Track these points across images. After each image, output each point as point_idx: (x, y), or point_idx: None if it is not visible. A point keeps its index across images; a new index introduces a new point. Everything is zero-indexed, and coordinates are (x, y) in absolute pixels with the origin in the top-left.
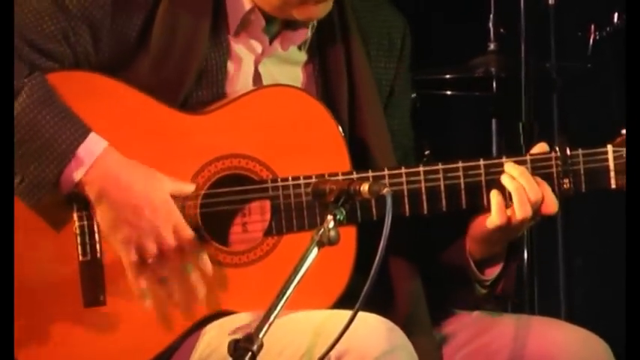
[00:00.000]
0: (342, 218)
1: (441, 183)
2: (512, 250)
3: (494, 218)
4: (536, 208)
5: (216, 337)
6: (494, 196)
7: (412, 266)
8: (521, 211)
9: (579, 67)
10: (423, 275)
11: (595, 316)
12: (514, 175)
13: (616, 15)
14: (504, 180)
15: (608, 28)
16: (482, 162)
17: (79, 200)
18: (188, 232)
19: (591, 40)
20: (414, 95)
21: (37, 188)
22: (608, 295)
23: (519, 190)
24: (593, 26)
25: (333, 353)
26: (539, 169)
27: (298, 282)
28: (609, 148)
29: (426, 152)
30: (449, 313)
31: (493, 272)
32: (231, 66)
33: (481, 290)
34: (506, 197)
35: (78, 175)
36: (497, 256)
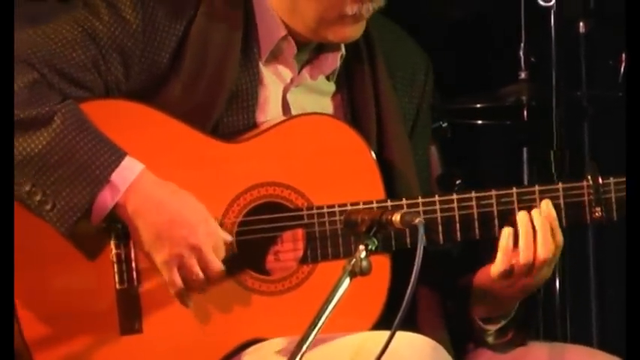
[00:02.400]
0: (373, 248)
1: (474, 211)
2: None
3: (497, 262)
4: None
5: None
6: (505, 234)
7: (438, 299)
8: (524, 254)
9: (610, 95)
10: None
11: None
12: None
13: None
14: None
15: None
16: (514, 190)
17: (116, 229)
18: (223, 252)
19: (622, 69)
20: (445, 124)
21: (69, 214)
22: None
23: (528, 235)
24: (624, 55)
25: None
26: (570, 198)
27: (330, 312)
28: None
29: (458, 182)
30: (476, 346)
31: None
32: (261, 92)
33: (487, 337)
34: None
35: (112, 200)
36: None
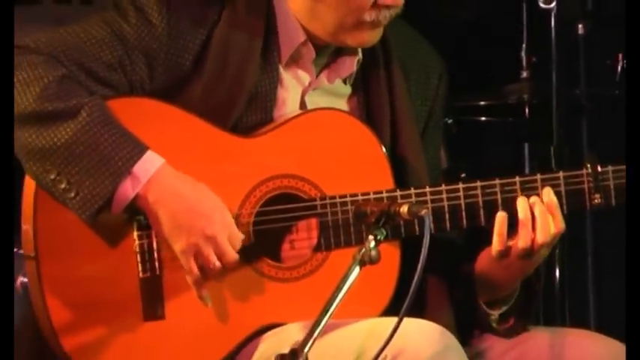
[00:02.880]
0: (382, 238)
1: (480, 199)
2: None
3: (494, 243)
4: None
5: (270, 347)
6: (499, 218)
7: (446, 286)
8: (523, 239)
9: (608, 93)
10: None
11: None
12: (533, 202)
13: None
14: (519, 202)
15: None
16: (517, 179)
17: (139, 220)
18: (239, 243)
19: (619, 68)
20: (450, 121)
21: (91, 202)
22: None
23: (527, 221)
24: (621, 55)
25: (389, 353)
26: (571, 185)
27: (341, 299)
28: None
29: (462, 175)
30: (482, 333)
31: (502, 309)
32: (280, 94)
33: (492, 320)
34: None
35: (133, 191)
36: (509, 296)
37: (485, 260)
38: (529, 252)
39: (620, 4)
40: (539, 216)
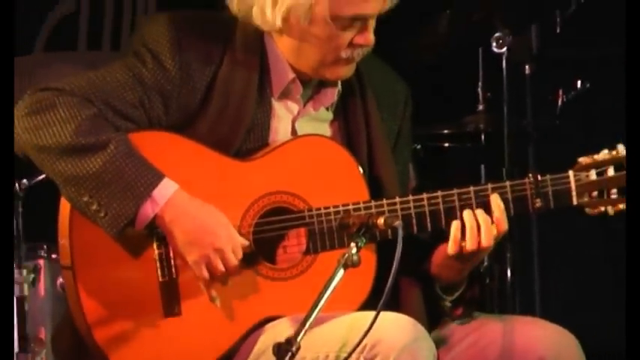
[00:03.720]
0: (362, 245)
1: (441, 206)
2: (470, 283)
3: (450, 246)
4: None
5: (268, 337)
6: (454, 226)
7: (416, 281)
8: (470, 243)
9: (550, 123)
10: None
11: (564, 316)
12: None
13: (579, 82)
14: (466, 214)
15: (573, 93)
16: (472, 188)
17: (158, 234)
18: (241, 251)
19: (559, 102)
20: (418, 146)
21: (117, 221)
22: (573, 297)
23: (473, 230)
24: (561, 91)
25: (368, 342)
26: (516, 192)
27: (328, 296)
28: (571, 173)
29: (429, 191)
30: (442, 321)
31: (454, 295)
32: (273, 124)
33: (446, 306)
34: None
35: (152, 212)
36: (459, 284)
37: (442, 254)
38: (476, 252)
39: (560, 49)
40: (483, 223)
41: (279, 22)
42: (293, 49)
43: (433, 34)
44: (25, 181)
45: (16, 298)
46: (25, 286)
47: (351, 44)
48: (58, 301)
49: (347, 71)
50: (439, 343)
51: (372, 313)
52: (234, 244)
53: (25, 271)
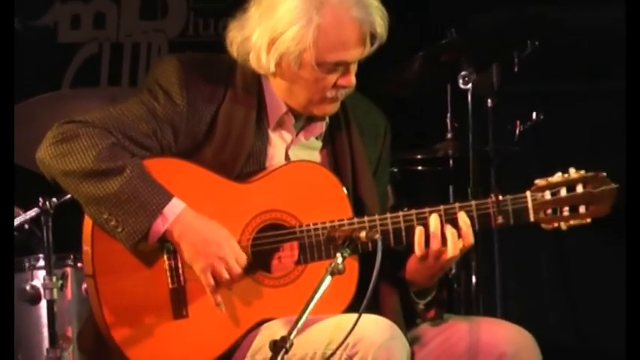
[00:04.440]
0: (347, 255)
1: (414, 223)
2: (440, 288)
3: (416, 248)
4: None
5: (265, 336)
6: (418, 231)
7: (394, 287)
8: (434, 244)
9: (509, 149)
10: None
11: (521, 316)
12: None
13: (534, 114)
14: (431, 220)
15: (528, 123)
16: (442, 207)
17: (168, 246)
18: (244, 262)
19: (517, 131)
20: (395, 169)
21: (133, 235)
22: (528, 299)
23: (437, 231)
24: (518, 121)
25: (351, 340)
26: (480, 210)
27: (317, 300)
28: (528, 193)
29: (405, 209)
30: (416, 322)
31: (426, 299)
32: (269, 151)
33: (419, 309)
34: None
35: (163, 227)
36: (430, 289)
37: (413, 262)
38: (439, 258)
39: (517, 85)
40: (450, 236)
41: (272, 67)
42: (285, 90)
43: (408, 72)
44: (54, 199)
45: (47, 301)
46: (55, 291)
47: (336, 85)
48: (83, 304)
49: (332, 108)
50: (414, 341)
51: (355, 316)
52: (236, 254)
53: (54, 278)
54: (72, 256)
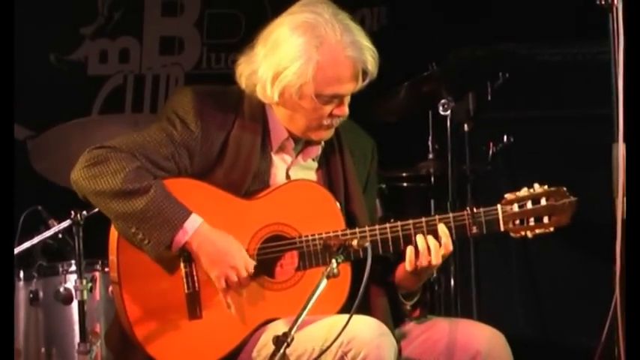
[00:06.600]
0: (340, 261)
1: (400, 233)
2: (424, 290)
3: (407, 264)
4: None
5: (269, 334)
6: (409, 250)
7: (383, 289)
8: (422, 262)
9: (483, 168)
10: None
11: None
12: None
13: (505, 137)
14: (418, 239)
15: (500, 145)
16: (424, 219)
17: (184, 255)
18: (252, 269)
19: (490, 152)
20: (383, 186)
21: (158, 247)
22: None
23: (424, 250)
24: (491, 143)
25: (345, 339)
26: (457, 222)
27: (314, 300)
28: (499, 206)
29: (391, 220)
30: (403, 321)
31: (412, 300)
32: (272, 171)
33: (406, 309)
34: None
35: (184, 239)
36: (416, 291)
37: (402, 269)
38: (427, 268)
39: (491, 112)
40: (433, 247)
41: (276, 97)
42: (287, 117)
43: (395, 101)
44: (84, 212)
45: (78, 301)
46: (85, 292)
47: (331, 115)
48: (110, 304)
49: (328, 134)
50: (401, 337)
51: (347, 316)
52: (246, 263)
53: (84, 281)
54: (100, 262)
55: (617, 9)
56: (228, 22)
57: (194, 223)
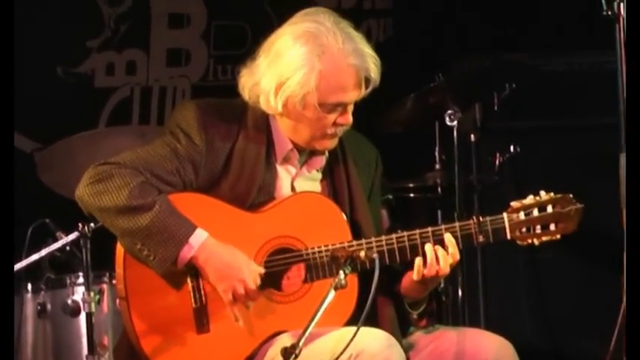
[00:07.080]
0: (348, 272)
1: (406, 244)
2: (430, 300)
3: (415, 274)
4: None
5: (278, 346)
6: (417, 260)
7: (389, 299)
8: (429, 272)
9: (490, 179)
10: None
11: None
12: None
13: (512, 147)
14: (427, 249)
15: (507, 155)
16: (430, 229)
17: (191, 270)
18: (259, 282)
19: (497, 162)
20: (390, 197)
21: (163, 263)
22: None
23: (432, 262)
24: (498, 153)
25: (353, 352)
26: (464, 231)
27: (322, 312)
28: (505, 215)
29: (399, 231)
30: (411, 331)
31: (419, 309)
32: (277, 183)
33: (413, 318)
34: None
35: (189, 255)
36: (422, 300)
37: (409, 279)
38: (435, 277)
39: (497, 122)
40: (442, 257)
41: (279, 108)
42: (291, 128)
43: (402, 111)
44: (92, 224)
45: (86, 313)
46: (93, 305)
47: (335, 124)
48: (117, 316)
49: (332, 144)
50: (409, 348)
51: (355, 328)
52: (253, 276)
53: (92, 293)
54: (107, 274)
55: (623, 19)
56: (234, 33)
57: (199, 237)
